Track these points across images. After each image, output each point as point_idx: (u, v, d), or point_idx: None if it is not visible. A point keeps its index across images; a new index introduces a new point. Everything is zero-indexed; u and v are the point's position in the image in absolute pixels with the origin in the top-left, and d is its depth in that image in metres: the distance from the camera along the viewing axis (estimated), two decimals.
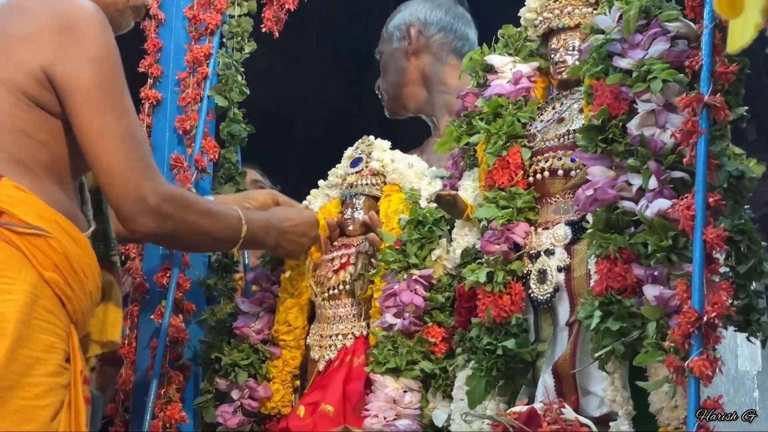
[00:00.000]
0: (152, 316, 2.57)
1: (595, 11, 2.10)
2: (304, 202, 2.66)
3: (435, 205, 2.27)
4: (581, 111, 2.07)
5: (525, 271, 2.07)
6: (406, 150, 2.67)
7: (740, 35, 1.11)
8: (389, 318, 2.28)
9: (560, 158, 2.09)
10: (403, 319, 2.26)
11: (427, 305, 2.27)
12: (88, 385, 2.02)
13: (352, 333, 2.46)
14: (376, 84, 3.22)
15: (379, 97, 3.21)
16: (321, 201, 2.65)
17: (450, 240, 2.28)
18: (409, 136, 3.17)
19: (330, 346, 2.47)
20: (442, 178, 2.41)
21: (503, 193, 2.11)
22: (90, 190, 2.23)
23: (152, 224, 2.07)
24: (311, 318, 2.58)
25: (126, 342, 2.65)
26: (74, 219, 2.01)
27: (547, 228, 2.07)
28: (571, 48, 2.15)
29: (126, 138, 2.01)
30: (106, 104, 1.99)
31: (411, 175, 2.50)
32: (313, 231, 2.50)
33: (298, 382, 2.57)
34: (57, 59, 1.97)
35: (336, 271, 2.51)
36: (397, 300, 2.27)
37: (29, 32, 2.00)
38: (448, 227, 2.30)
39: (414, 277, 2.28)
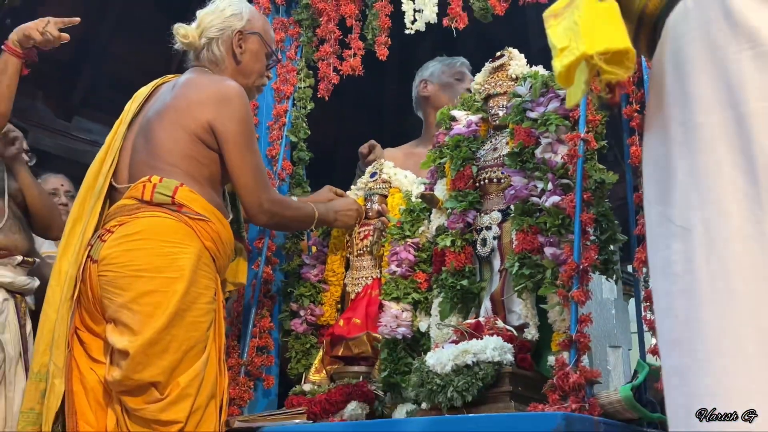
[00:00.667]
0: (253, 266, 2.53)
1: (515, 84, 2.07)
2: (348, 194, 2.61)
3: (421, 200, 2.26)
4: (508, 143, 2.04)
5: (474, 240, 2.04)
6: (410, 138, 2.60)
7: (574, 96, 1.10)
8: (393, 267, 2.25)
9: (495, 171, 2.05)
10: (402, 268, 2.24)
11: (416, 260, 2.24)
12: (225, 308, 2.03)
13: (371, 276, 2.43)
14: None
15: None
16: (353, 197, 2.60)
17: (430, 221, 2.25)
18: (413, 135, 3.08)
19: (358, 284, 2.45)
20: (424, 184, 2.37)
21: (461, 193, 2.09)
22: (229, 193, 2.24)
23: (265, 219, 2.07)
24: (347, 268, 2.55)
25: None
26: (222, 211, 2.01)
27: (487, 213, 2.04)
28: (501, 106, 2.11)
29: (255, 167, 2.01)
30: (246, 146, 1.98)
31: (406, 182, 2.48)
32: (356, 212, 2.44)
33: (339, 306, 2.54)
34: (217, 117, 1.98)
35: (362, 240, 2.48)
36: (398, 257, 2.25)
37: (201, 99, 2.00)
38: (429, 213, 2.27)
39: (408, 243, 2.26)
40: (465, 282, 1.98)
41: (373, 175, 2.54)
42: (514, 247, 1.87)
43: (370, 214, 2.53)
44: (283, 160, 2.72)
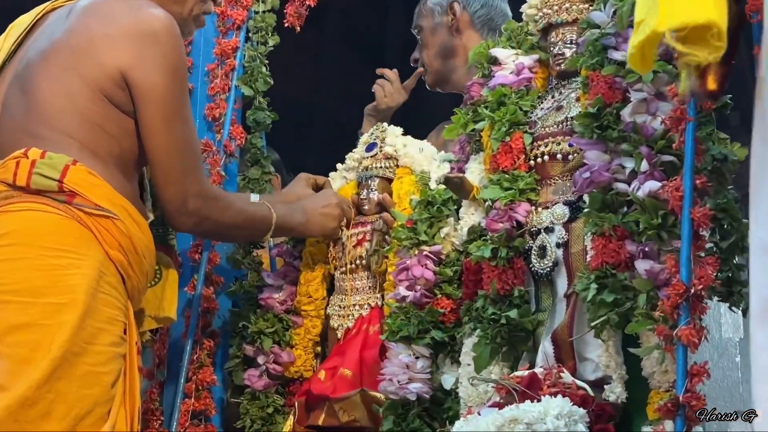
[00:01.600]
0: (186, 288, 2.56)
1: (590, 7, 2.08)
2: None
3: (444, 186, 2.27)
4: (578, 100, 2.06)
5: (526, 247, 2.06)
6: (424, 134, 2.65)
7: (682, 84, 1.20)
8: (402, 290, 2.27)
9: (559, 143, 2.07)
10: (415, 291, 2.26)
11: (436, 279, 2.26)
12: (140, 355, 2.06)
13: (368, 304, 2.46)
14: (412, 57, 3.18)
15: (418, 69, 3.17)
16: (339, 183, 2.65)
17: (457, 219, 2.27)
18: (426, 119, 3.15)
19: (348, 315, 2.47)
20: (450, 161, 2.40)
21: (506, 176, 2.09)
22: (149, 180, 2.27)
23: (189, 223, 2.12)
24: (330, 290, 2.58)
25: None
26: (137, 205, 2.05)
27: (547, 207, 2.06)
28: (569, 41, 2.12)
29: (186, 143, 2.05)
30: (174, 109, 2.02)
31: (421, 158, 2.49)
32: (338, 213, 2.48)
33: (319, 349, 2.58)
34: (136, 64, 2.00)
35: (354, 247, 2.51)
36: (409, 274, 2.27)
37: (110, 34, 2.02)
38: (456, 207, 2.29)
39: (424, 252, 2.27)
40: (513, 313, 2.00)
41: (370, 147, 2.59)
42: (588, 259, 1.89)
43: (366, 207, 2.55)
44: (232, 124, 2.74)
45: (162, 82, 2.00)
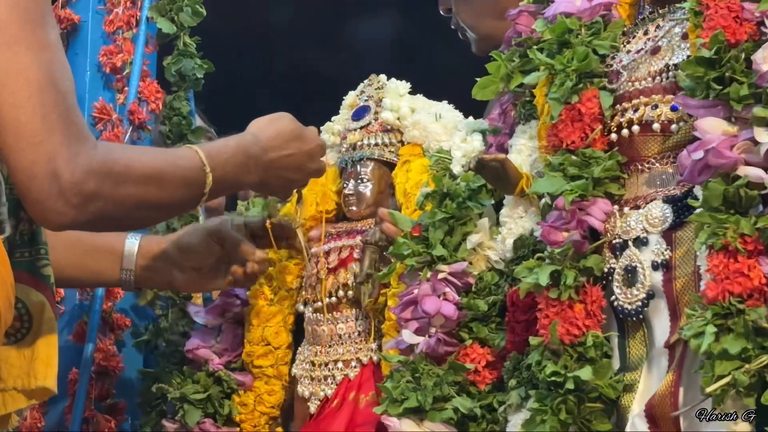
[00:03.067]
0: (70, 337, 2.57)
1: None
2: None
3: (473, 173, 2.27)
4: (685, 37, 2.08)
5: (606, 270, 2.07)
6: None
7: None
8: (408, 335, 2.29)
9: (655, 106, 2.10)
10: (429, 336, 2.27)
11: (462, 315, 2.28)
12: None
13: (357, 359, 2.48)
14: (442, 4, 3.17)
15: (459, 31, 3.16)
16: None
17: (496, 223, 2.29)
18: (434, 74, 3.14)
19: (326, 378, 2.49)
20: (484, 133, 2.42)
21: (573, 157, 2.11)
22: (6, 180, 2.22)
23: (71, 212, 2.03)
24: (298, 336, 2.60)
25: None
26: None
27: (638, 207, 2.09)
28: None
29: (43, 84, 2.00)
30: (17, 34, 2.00)
31: (439, 130, 2.53)
32: (313, 161, 2.41)
33: (280, 430, 2.59)
34: None
35: (333, 270, 2.54)
36: (418, 309, 2.28)
37: None
38: (493, 203, 2.31)
39: (441, 275, 2.29)
40: (585, 373, 2.02)
41: (360, 112, 2.64)
42: (703, 287, 1.91)
43: (354, 209, 2.59)
44: (142, 78, 2.76)
45: None
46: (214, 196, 2.31)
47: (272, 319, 2.57)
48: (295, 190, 2.51)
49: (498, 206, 2.32)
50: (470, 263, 2.32)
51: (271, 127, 2.42)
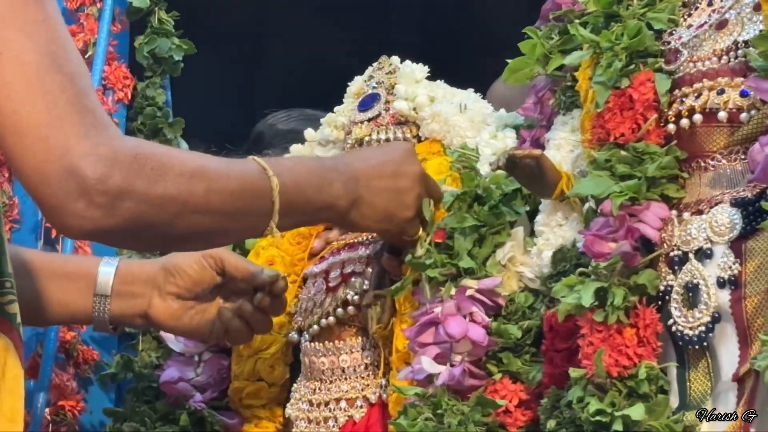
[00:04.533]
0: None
1: None
2: None
3: (503, 171, 2.16)
4: (758, 8, 1.97)
5: (661, 288, 1.96)
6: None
7: None
8: (426, 363, 2.15)
9: (722, 91, 1.97)
10: (452, 365, 2.16)
11: (492, 342, 2.15)
12: None
13: (364, 397, 2.36)
14: None
15: None
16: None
17: (536, 234, 2.18)
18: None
19: (326, 419, 2.38)
20: (517, 128, 2.32)
21: (623, 153, 2.00)
22: None
23: (96, 214, 1.93)
24: (295, 370, 2.51)
25: None
26: None
27: (700, 212, 1.96)
28: None
29: (43, 68, 1.89)
30: (5, 12, 1.90)
31: (463, 123, 2.41)
32: (408, 208, 2.29)
33: None
34: None
35: (333, 290, 2.42)
36: (440, 332, 2.16)
37: None
38: (528, 209, 2.23)
39: (469, 291, 2.18)
40: (637, 411, 1.87)
41: (368, 101, 2.55)
42: None
43: None
44: (108, 62, 2.72)
45: None
46: (289, 215, 2.19)
47: (267, 349, 2.49)
48: None
49: (533, 214, 2.24)
50: (502, 281, 2.22)
51: (371, 151, 2.41)
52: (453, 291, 2.19)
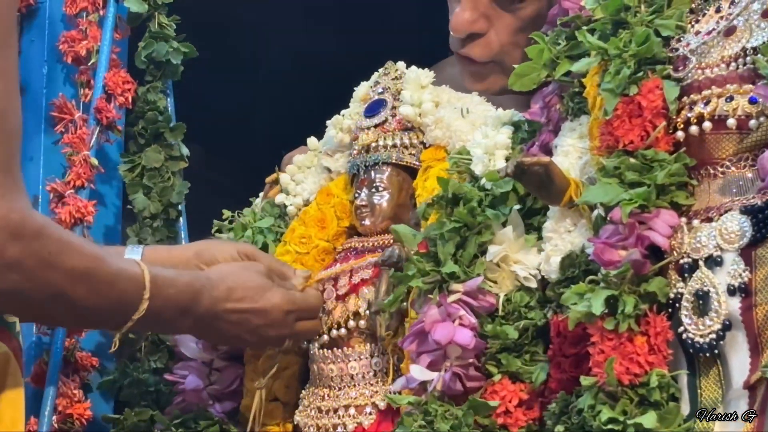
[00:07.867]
0: (27, 379, 2.43)
1: None
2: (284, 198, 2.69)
3: (509, 178, 2.15)
4: (766, 14, 2.00)
5: (672, 296, 1.96)
6: None
7: None
8: (418, 372, 2.15)
9: (731, 98, 1.97)
10: (445, 370, 2.15)
11: (481, 344, 2.15)
12: None
13: (373, 404, 2.37)
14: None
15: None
16: (315, 179, 2.66)
17: (539, 236, 2.18)
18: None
19: (335, 426, 2.40)
20: (517, 126, 2.33)
21: (632, 160, 2.00)
22: None
23: None
24: (304, 378, 2.55)
25: None
26: None
27: (710, 219, 1.96)
28: None
29: None
30: None
31: (465, 128, 2.42)
32: (272, 328, 2.36)
33: None
34: None
35: (343, 297, 2.41)
36: (429, 339, 2.16)
37: None
38: (537, 216, 2.23)
39: (454, 296, 2.18)
40: (648, 419, 1.87)
41: (374, 107, 2.54)
42: None
43: (368, 222, 2.51)
44: (110, 68, 2.66)
45: None
46: (137, 326, 2.27)
47: (284, 371, 2.49)
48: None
49: (527, 213, 2.23)
50: (494, 282, 2.21)
51: (233, 278, 2.39)
52: (438, 297, 2.19)
